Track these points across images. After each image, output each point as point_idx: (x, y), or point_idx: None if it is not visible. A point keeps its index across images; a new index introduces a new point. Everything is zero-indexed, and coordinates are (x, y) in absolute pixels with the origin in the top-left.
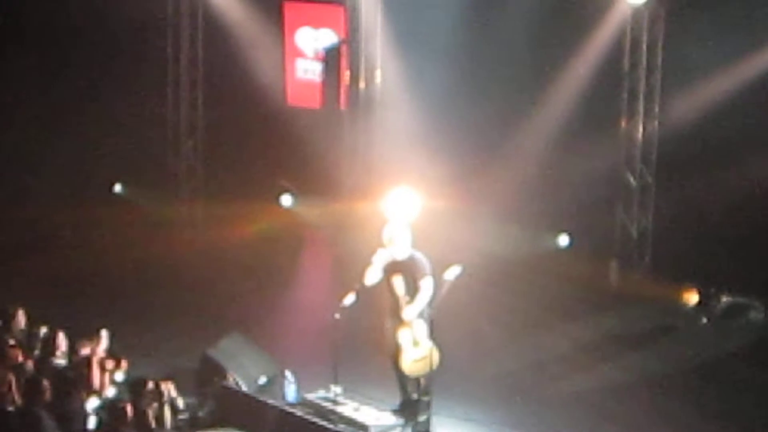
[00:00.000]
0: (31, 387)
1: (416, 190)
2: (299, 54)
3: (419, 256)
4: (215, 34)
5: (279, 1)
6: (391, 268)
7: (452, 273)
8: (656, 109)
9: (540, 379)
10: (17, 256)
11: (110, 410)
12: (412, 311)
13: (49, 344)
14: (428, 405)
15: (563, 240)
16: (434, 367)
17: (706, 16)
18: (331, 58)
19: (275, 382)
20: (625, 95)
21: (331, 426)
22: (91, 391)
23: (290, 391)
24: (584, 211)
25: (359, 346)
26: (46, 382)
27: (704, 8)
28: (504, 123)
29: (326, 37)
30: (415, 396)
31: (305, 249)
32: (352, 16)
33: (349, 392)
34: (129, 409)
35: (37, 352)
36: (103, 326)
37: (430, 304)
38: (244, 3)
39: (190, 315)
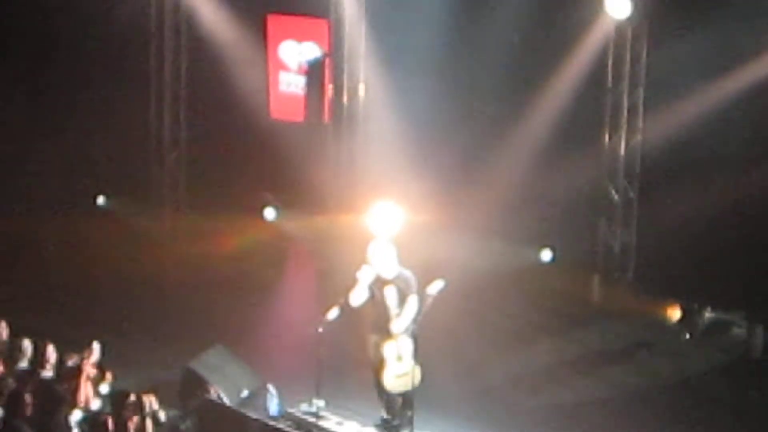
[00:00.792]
0: (12, 400)
1: (399, 204)
2: (283, 67)
3: (408, 274)
4: (198, 47)
5: (262, 14)
6: (380, 283)
7: (435, 287)
8: (639, 124)
9: (522, 393)
10: None
11: (92, 423)
12: (400, 324)
13: (38, 357)
14: (411, 420)
15: (546, 254)
16: (416, 384)
17: (689, 32)
18: (314, 72)
19: (258, 395)
20: (608, 110)
21: None
22: (76, 403)
23: (273, 405)
24: (567, 226)
25: (342, 359)
26: (28, 396)
27: (687, 23)
28: (487, 137)
29: (310, 51)
30: (393, 414)
31: (288, 262)
32: (336, 30)
33: (331, 406)
34: (110, 422)
35: (24, 364)
36: (87, 338)
37: (415, 320)
38: (228, 16)
39: (172, 327)
